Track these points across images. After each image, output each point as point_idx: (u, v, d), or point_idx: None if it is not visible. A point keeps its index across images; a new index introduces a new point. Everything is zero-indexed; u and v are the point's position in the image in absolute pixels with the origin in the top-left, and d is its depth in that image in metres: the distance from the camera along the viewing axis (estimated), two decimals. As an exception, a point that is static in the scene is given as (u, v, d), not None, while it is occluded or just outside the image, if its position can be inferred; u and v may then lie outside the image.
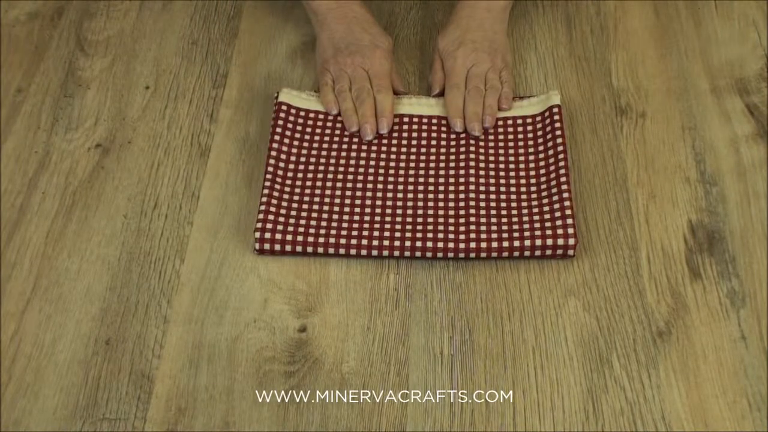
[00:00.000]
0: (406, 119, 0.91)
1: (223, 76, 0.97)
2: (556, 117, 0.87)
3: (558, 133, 0.86)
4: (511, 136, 0.89)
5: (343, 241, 0.80)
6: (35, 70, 0.98)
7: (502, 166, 0.86)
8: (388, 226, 0.81)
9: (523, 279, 0.79)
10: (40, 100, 0.95)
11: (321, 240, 0.80)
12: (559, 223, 0.79)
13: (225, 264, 0.80)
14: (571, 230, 0.78)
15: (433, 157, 0.87)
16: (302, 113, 0.90)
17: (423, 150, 0.88)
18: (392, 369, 0.74)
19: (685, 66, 0.96)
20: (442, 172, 0.86)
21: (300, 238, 0.80)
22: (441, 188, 0.84)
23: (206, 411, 0.71)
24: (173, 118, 0.93)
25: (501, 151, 0.87)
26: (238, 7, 1.05)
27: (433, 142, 0.89)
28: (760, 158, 0.87)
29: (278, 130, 0.88)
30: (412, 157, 0.88)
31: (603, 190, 0.85)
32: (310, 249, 0.80)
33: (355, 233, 0.80)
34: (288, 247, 0.80)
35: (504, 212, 0.82)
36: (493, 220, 0.81)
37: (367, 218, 0.82)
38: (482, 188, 0.84)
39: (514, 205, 0.82)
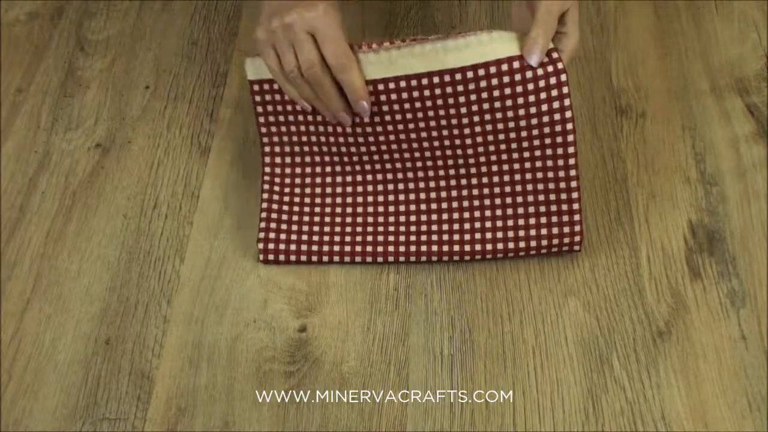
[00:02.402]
0: (381, 86, 0.74)
1: (223, 76, 0.97)
2: (563, 79, 0.73)
3: (567, 103, 0.74)
4: (509, 102, 0.74)
5: (347, 248, 0.80)
6: (35, 70, 0.98)
7: (503, 147, 0.77)
8: (392, 228, 0.81)
9: (523, 279, 0.79)
10: (40, 100, 0.95)
11: (326, 249, 0.80)
12: (566, 219, 0.78)
13: (225, 264, 0.80)
14: (577, 228, 0.77)
15: (426, 144, 0.77)
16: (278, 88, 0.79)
17: (414, 136, 0.77)
18: (392, 369, 0.74)
19: (685, 66, 0.96)
20: (440, 162, 0.79)
21: (304, 248, 0.80)
22: (442, 183, 0.80)
23: (206, 411, 0.71)
24: (173, 118, 0.93)
25: (500, 126, 0.75)
26: (238, 7, 1.05)
27: (422, 125, 0.76)
28: (760, 158, 0.87)
29: (261, 120, 0.80)
30: (404, 146, 0.78)
31: (603, 190, 0.85)
32: (315, 258, 0.80)
33: (359, 239, 0.80)
34: (293, 257, 0.80)
35: (510, 211, 0.80)
36: (498, 222, 0.80)
37: (370, 228, 0.81)
38: (485, 180, 0.79)
39: (520, 200, 0.79)
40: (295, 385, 0.73)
